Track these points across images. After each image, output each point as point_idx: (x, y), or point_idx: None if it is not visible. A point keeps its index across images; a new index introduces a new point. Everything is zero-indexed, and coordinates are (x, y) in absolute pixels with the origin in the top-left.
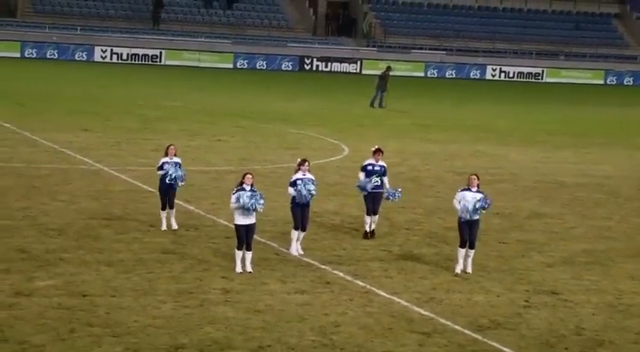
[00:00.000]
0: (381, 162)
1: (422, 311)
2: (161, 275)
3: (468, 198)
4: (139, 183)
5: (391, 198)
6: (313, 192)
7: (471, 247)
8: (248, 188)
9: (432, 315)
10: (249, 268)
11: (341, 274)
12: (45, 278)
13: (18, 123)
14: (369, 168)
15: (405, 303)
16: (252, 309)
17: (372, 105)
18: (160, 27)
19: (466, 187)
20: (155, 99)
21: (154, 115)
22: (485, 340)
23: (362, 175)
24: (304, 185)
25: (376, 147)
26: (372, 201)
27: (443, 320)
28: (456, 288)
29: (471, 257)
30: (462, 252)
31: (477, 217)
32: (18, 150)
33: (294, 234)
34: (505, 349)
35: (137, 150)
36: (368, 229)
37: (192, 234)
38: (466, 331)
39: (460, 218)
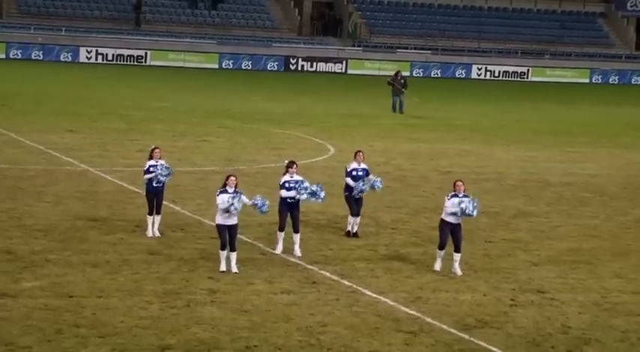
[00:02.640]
0: (363, 165)
1: (408, 311)
2: (147, 275)
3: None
4: (125, 183)
5: (376, 186)
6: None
7: (457, 251)
8: (231, 190)
9: (418, 315)
10: (234, 269)
11: (327, 274)
12: (31, 279)
13: (3, 124)
14: (354, 173)
15: (391, 303)
16: (239, 309)
17: (393, 110)
18: (144, 28)
19: (453, 193)
20: (141, 100)
21: (139, 116)
22: (471, 339)
23: (350, 181)
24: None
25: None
26: (356, 202)
27: (429, 320)
28: (442, 288)
29: (458, 261)
30: (440, 253)
31: (460, 221)
32: (3, 151)
33: (280, 235)
34: (492, 348)
35: (123, 151)
36: (350, 229)
37: (179, 235)
38: (452, 330)
39: (442, 220)
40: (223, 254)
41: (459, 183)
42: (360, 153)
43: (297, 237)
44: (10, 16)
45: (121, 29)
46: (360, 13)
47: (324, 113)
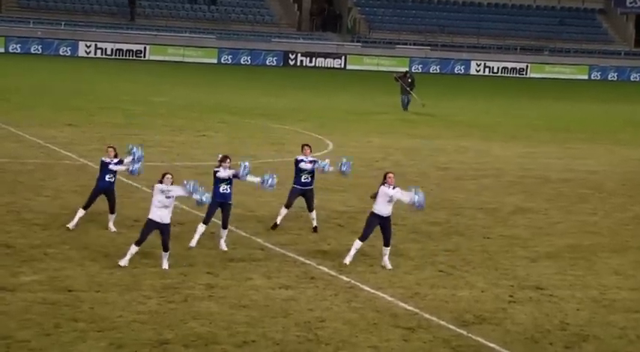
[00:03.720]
0: (310, 157)
1: (406, 307)
2: (145, 270)
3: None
4: (124, 178)
5: (344, 169)
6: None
7: (387, 245)
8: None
9: (416, 310)
10: (165, 265)
11: (325, 269)
12: (29, 273)
13: (2, 119)
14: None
15: (389, 298)
16: (237, 304)
17: (403, 108)
18: (143, 22)
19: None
20: (139, 94)
21: (138, 110)
22: (469, 335)
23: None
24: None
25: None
26: (305, 197)
27: (427, 315)
28: (440, 283)
29: (387, 255)
30: (358, 244)
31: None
32: (2, 145)
33: (202, 228)
34: (490, 344)
35: (122, 146)
36: (278, 221)
37: (177, 230)
38: (451, 326)
39: (373, 213)
40: (134, 249)
41: (390, 175)
42: (307, 148)
43: (224, 233)
44: (9, 10)
45: (120, 24)
46: (359, 8)
47: (323, 108)
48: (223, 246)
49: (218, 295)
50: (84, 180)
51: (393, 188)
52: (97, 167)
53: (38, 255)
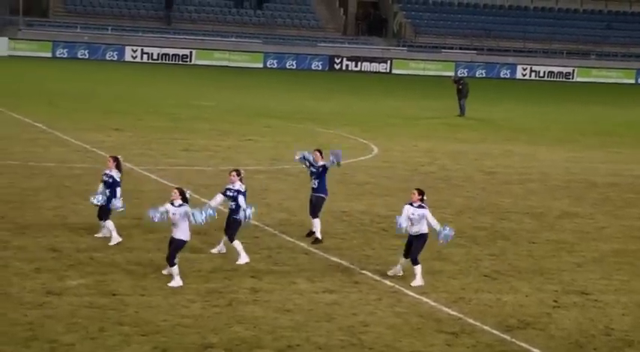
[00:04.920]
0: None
1: (450, 311)
2: (190, 274)
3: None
4: (169, 182)
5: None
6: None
7: (412, 263)
8: (177, 203)
9: (460, 315)
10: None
11: (369, 274)
12: (76, 277)
13: (49, 123)
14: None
15: (433, 303)
16: (281, 309)
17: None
18: (190, 27)
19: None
20: (185, 98)
21: (184, 115)
22: (513, 340)
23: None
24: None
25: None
26: (311, 203)
27: (471, 320)
28: (484, 288)
29: (416, 273)
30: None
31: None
32: (50, 149)
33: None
34: (534, 349)
35: (167, 150)
36: (319, 236)
37: (221, 234)
38: (494, 331)
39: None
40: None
41: (414, 192)
42: (317, 152)
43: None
44: (56, 15)
45: (167, 28)
46: (404, 12)
47: (369, 113)
48: (222, 248)
49: (262, 299)
50: (129, 185)
51: (418, 206)
52: (143, 171)
53: (84, 259)
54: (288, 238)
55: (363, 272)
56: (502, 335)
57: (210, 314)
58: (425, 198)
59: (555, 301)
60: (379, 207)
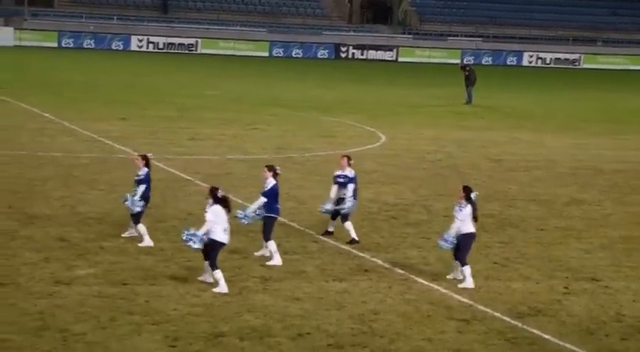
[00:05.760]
0: (347, 172)
1: (461, 299)
2: (200, 263)
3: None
4: (177, 171)
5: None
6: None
7: (460, 264)
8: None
9: (470, 302)
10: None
11: (379, 262)
12: (85, 266)
13: (56, 113)
14: (338, 180)
15: (443, 290)
16: (291, 297)
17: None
18: (193, 16)
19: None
20: (191, 88)
21: (190, 104)
22: (524, 327)
23: (334, 188)
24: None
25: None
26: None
27: (482, 307)
28: (494, 275)
29: (459, 269)
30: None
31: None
32: (56, 139)
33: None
34: (545, 336)
35: (174, 139)
36: (355, 237)
37: (231, 223)
38: (505, 318)
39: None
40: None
41: (459, 189)
42: (346, 159)
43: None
44: (62, 5)
45: (171, 18)
46: (409, 0)
47: (375, 101)
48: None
49: (272, 288)
50: None
51: (461, 207)
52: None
53: (93, 248)
54: (298, 226)
55: (373, 259)
56: (513, 321)
57: (220, 303)
58: (472, 194)
59: (566, 288)
60: (387, 195)
